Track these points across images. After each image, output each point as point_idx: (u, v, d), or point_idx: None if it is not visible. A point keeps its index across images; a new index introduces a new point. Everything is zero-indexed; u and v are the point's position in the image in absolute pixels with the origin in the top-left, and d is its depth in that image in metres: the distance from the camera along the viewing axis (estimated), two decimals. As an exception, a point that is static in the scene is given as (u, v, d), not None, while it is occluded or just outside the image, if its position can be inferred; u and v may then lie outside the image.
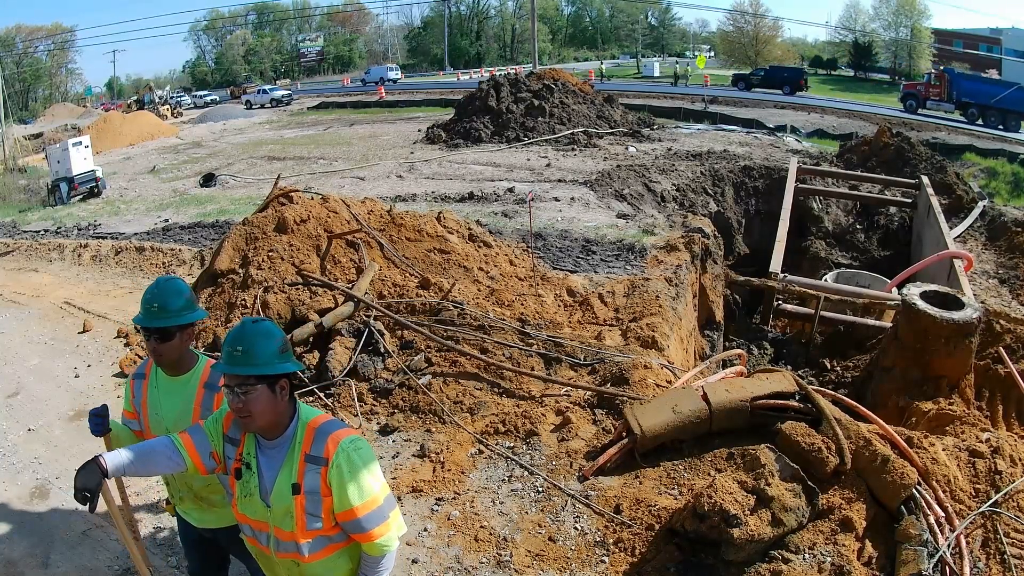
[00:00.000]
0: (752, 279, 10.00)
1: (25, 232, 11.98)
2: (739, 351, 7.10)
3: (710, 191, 13.81)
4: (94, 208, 13.86)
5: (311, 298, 5.99)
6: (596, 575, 3.24)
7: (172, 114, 35.16)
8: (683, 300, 7.65)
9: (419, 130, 21.45)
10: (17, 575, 3.70)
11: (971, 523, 3.16)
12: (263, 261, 6.39)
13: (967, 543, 3.05)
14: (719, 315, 9.62)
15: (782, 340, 9.67)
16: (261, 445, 2.09)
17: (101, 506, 2.02)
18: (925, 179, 13.57)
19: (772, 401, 3.71)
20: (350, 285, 6.13)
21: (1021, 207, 14.21)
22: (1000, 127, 25.77)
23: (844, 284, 10.05)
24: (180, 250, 9.52)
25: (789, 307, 9.52)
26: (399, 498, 3.83)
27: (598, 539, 3.42)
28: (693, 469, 3.68)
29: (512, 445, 4.28)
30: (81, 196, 15.15)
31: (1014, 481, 3.33)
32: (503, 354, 5.21)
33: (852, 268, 12.47)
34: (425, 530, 3.66)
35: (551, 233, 9.69)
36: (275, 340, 2.02)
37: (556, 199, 11.76)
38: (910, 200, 13.73)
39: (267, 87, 44.36)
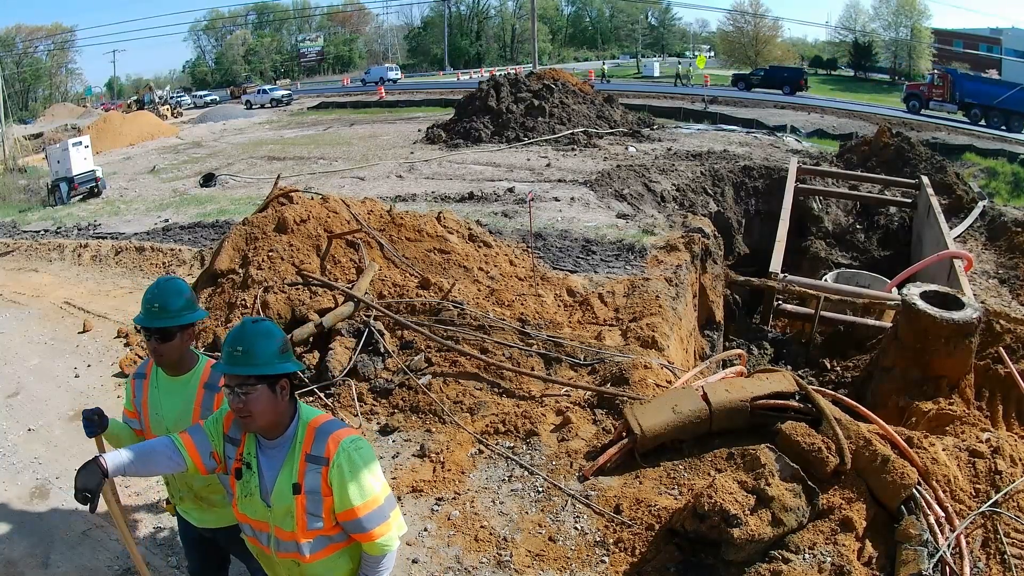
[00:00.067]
0: (752, 279, 10.00)
1: (25, 232, 11.98)
2: (739, 351, 7.10)
3: (710, 191, 13.81)
4: (94, 208, 13.86)
5: (311, 298, 5.99)
6: (596, 575, 3.24)
7: (172, 114, 35.17)
8: (683, 300, 7.65)
9: (419, 130, 21.45)
10: (17, 575, 3.70)
11: (971, 523, 3.16)
12: (263, 261, 6.39)
13: (967, 543, 3.05)
14: (719, 315, 9.62)
15: (782, 340, 9.67)
16: (261, 445, 2.09)
17: (101, 506, 2.02)
18: (925, 179, 13.57)
19: (772, 401, 3.71)
20: (350, 285, 6.13)
21: (1021, 207, 14.21)
22: (1003, 128, 25.73)
23: (844, 284, 10.05)
24: (180, 250, 9.52)
25: (789, 307, 9.52)
26: (399, 498, 3.83)
27: (598, 539, 3.42)
28: (693, 469, 3.68)
29: (512, 445, 4.28)
30: (81, 196, 15.15)
31: (1014, 481, 3.33)
32: (503, 354, 5.21)
33: (852, 268, 12.47)
34: (425, 530, 3.66)
35: (551, 233, 9.69)
36: (275, 340, 2.02)
37: (556, 199, 11.77)
38: (910, 200, 13.73)
39: (267, 87, 44.37)
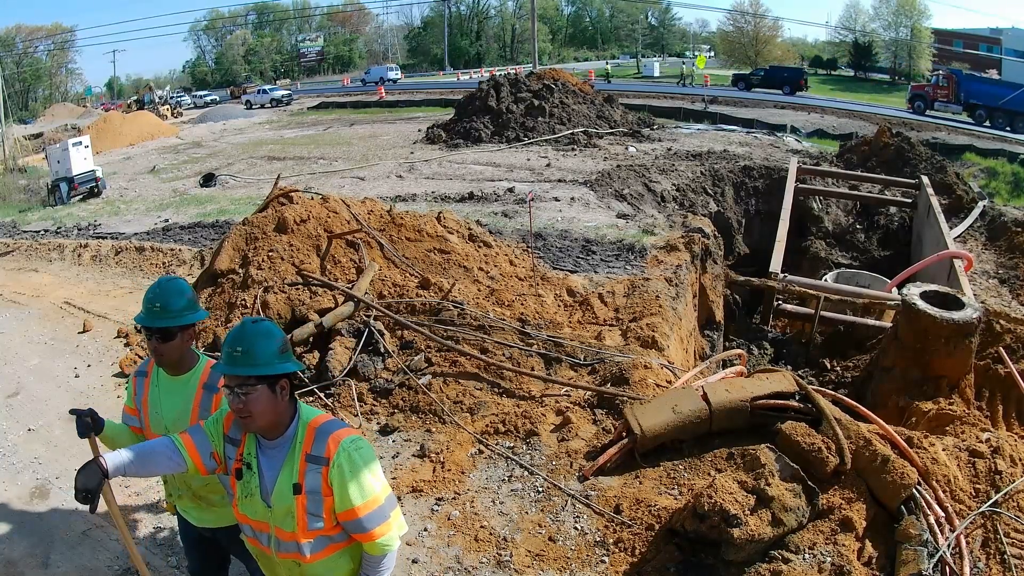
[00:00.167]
0: (752, 279, 10.00)
1: (25, 232, 11.98)
2: (739, 351, 7.10)
3: (710, 191, 13.81)
4: (94, 208, 13.86)
5: (311, 298, 5.99)
6: (596, 575, 3.24)
7: (172, 114, 35.17)
8: (683, 300, 7.65)
9: (419, 130, 21.45)
10: (17, 575, 3.70)
11: (971, 523, 3.16)
12: (263, 261, 6.39)
13: (967, 543, 3.05)
14: (719, 315, 9.62)
15: (782, 340, 9.67)
16: (262, 445, 2.09)
17: (101, 506, 2.02)
18: (925, 179, 13.57)
19: (772, 401, 3.71)
20: (350, 285, 6.13)
21: (1021, 207, 14.20)
22: (1007, 128, 25.68)
23: (844, 284, 10.05)
24: (180, 250, 9.52)
25: (789, 307, 9.52)
26: (399, 498, 3.83)
27: (598, 539, 3.42)
28: (693, 469, 3.68)
29: (512, 445, 4.28)
30: (81, 196, 15.15)
31: (1014, 481, 3.33)
32: (503, 354, 5.21)
33: (852, 268, 12.47)
34: (425, 530, 3.66)
35: (551, 233, 9.69)
36: (275, 340, 2.02)
37: (556, 199, 11.77)
38: (910, 200, 13.73)
39: (267, 87, 44.37)
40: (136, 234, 10.82)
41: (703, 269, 9.18)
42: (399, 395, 4.95)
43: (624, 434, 3.90)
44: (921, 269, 10.10)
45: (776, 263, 9.93)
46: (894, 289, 9.41)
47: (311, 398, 5.04)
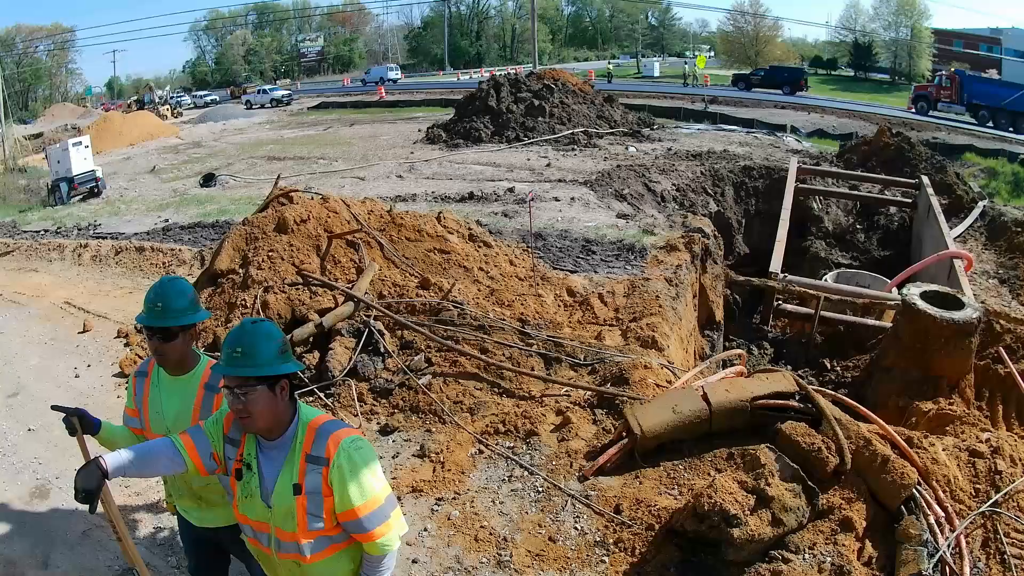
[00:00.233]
0: (752, 279, 10.00)
1: (25, 232, 11.98)
2: (739, 351, 7.11)
3: (710, 191, 13.81)
4: (94, 208, 13.85)
5: (311, 298, 5.99)
6: (596, 575, 3.24)
7: (172, 114, 35.18)
8: (683, 300, 7.65)
9: (419, 130, 21.45)
10: (17, 575, 3.70)
11: (971, 523, 3.16)
12: (263, 261, 6.39)
13: (967, 543, 3.05)
14: (719, 315, 9.62)
15: (782, 340, 9.67)
16: (262, 446, 2.09)
17: (101, 507, 2.02)
18: (925, 179, 13.57)
19: (772, 401, 3.71)
20: (350, 285, 6.13)
21: (1021, 207, 14.19)
22: (1011, 129, 25.61)
23: (844, 284, 10.05)
24: (180, 250, 9.52)
25: (789, 307, 9.52)
26: (399, 498, 3.83)
27: (598, 539, 3.42)
28: (693, 469, 3.68)
29: (512, 445, 4.28)
30: (81, 196, 15.15)
31: (1014, 481, 3.33)
32: (503, 354, 5.21)
33: (852, 268, 12.47)
34: (425, 530, 3.66)
35: (551, 233, 9.68)
36: (275, 341, 2.02)
37: (556, 199, 11.76)
38: (910, 200, 13.72)
39: (267, 87, 44.39)
40: (136, 234, 10.82)
41: (703, 269, 9.18)
42: (399, 395, 4.95)
43: (624, 434, 3.90)
44: (921, 269, 10.10)
45: (776, 263, 9.93)
46: (894, 289, 9.41)
47: (311, 398, 5.04)
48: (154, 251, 9.54)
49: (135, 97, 38.75)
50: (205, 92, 50.33)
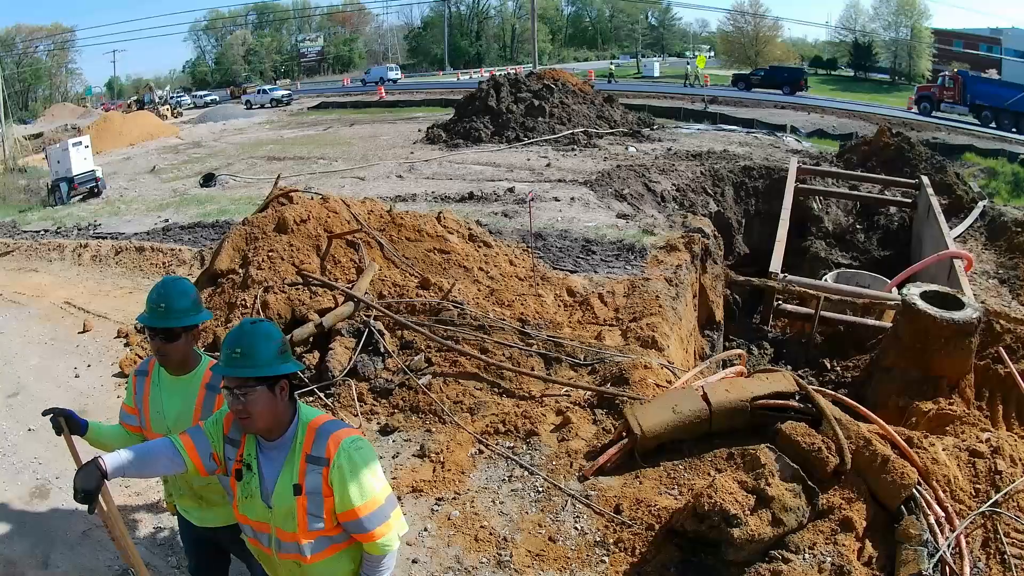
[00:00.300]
0: (752, 279, 10.00)
1: (25, 232, 11.98)
2: (739, 351, 7.11)
3: (710, 191, 13.81)
4: (94, 208, 13.85)
5: (311, 298, 5.99)
6: (596, 575, 3.24)
7: (172, 114, 35.18)
8: (683, 300, 7.65)
9: (419, 130, 21.45)
10: (17, 575, 3.70)
11: (971, 523, 3.16)
12: (263, 261, 6.39)
13: (967, 543, 3.05)
14: (719, 315, 9.62)
15: (782, 340, 9.67)
16: (262, 446, 2.09)
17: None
18: (925, 179, 13.57)
19: (772, 401, 3.71)
20: (350, 285, 6.13)
21: (1021, 207, 14.19)
22: (1013, 130, 25.53)
23: (844, 284, 10.05)
24: (180, 250, 9.52)
25: (789, 307, 9.52)
26: (399, 498, 3.83)
27: (598, 539, 3.42)
28: (693, 469, 3.68)
29: (512, 445, 4.28)
30: (81, 196, 15.15)
31: (1014, 481, 3.33)
32: (503, 354, 5.21)
33: (852, 268, 12.47)
34: (425, 530, 3.66)
35: (551, 233, 9.68)
36: (274, 341, 2.02)
37: (556, 199, 11.76)
38: (910, 200, 13.72)
39: (267, 87, 44.39)
40: (136, 234, 10.82)
41: (703, 269, 9.18)
42: (399, 395, 4.95)
43: (624, 434, 3.90)
44: (921, 269, 10.10)
45: (776, 263, 9.93)
46: (894, 289, 9.41)
47: (311, 398, 5.04)
48: (154, 251, 9.54)
49: (135, 97, 38.75)
50: (205, 92, 50.33)
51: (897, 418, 5.33)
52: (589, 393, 4.72)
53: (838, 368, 8.49)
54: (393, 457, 4.38)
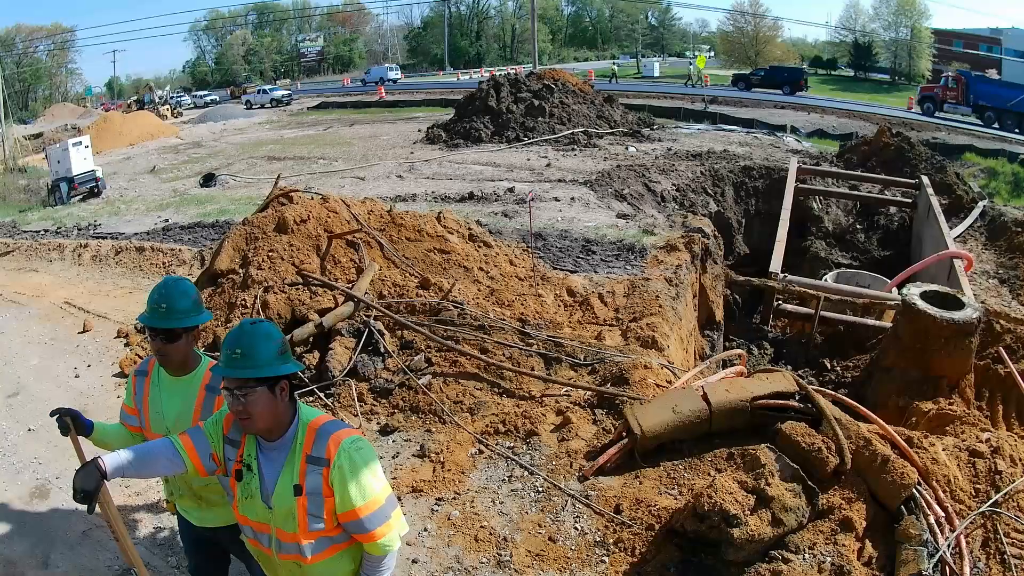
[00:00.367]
0: (752, 279, 10.00)
1: (25, 232, 11.98)
2: (739, 351, 7.11)
3: (710, 191, 13.81)
4: (94, 208, 13.85)
5: (311, 298, 5.99)
6: (596, 575, 3.24)
7: (172, 114, 35.20)
8: (683, 300, 7.65)
9: (419, 130, 21.45)
10: (17, 575, 3.70)
11: (971, 523, 3.16)
12: (263, 261, 6.39)
13: (967, 543, 3.05)
14: (719, 315, 9.62)
15: (782, 340, 9.67)
16: (262, 446, 2.09)
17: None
18: (925, 179, 13.57)
19: (772, 401, 3.71)
20: (350, 285, 6.13)
21: (1021, 207, 14.20)
22: (1016, 131, 25.51)
23: (844, 284, 10.05)
24: (180, 250, 9.52)
25: (789, 307, 9.52)
26: (399, 498, 3.83)
27: (598, 539, 3.42)
28: (693, 469, 3.68)
29: (512, 445, 4.28)
30: (81, 196, 15.16)
31: (1014, 481, 3.33)
32: (503, 354, 5.21)
33: (852, 268, 12.47)
34: (425, 530, 3.66)
35: (551, 233, 9.69)
36: (274, 342, 2.02)
37: (556, 199, 11.76)
38: (910, 200, 13.73)
39: (267, 87, 44.40)
40: (136, 234, 10.82)
41: (703, 269, 9.18)
42: (399, 395, 4.95)
43: (624, 434, 3.90)
44: (921, 269, 10.10)
45: (776, 263, 9.93)
46: (894, 289, 9.41)
47: (311, 398, 5.04)
48: (154, 251, 9.54)
49: (135, 97, 38.76)
50: (205, 92, 50.35)
51: (897, 418, 5.33)
52: (589, 393, 4.72)
53: (838, 368, 8.49)
54: (393, 457, 4.38)
